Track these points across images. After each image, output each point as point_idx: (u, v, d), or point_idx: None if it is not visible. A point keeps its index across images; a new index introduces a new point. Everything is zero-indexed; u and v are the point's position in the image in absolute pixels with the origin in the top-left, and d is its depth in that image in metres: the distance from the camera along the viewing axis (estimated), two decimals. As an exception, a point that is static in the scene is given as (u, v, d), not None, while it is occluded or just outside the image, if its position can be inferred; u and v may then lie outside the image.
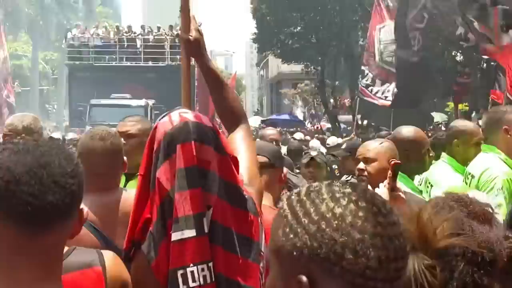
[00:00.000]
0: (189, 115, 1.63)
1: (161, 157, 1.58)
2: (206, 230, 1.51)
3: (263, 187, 1.93)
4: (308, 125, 30.80)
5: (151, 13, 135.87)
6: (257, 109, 59.46)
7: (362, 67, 12.48)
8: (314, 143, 10.78)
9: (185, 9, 2.15)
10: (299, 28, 25.95)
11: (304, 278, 0.90)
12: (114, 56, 25.90)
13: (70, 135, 13.08)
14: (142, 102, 22.07)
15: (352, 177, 4.11)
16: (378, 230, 0.90)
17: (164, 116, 1.68)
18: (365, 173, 2.78)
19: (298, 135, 10.99)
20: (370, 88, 12.15)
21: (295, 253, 0.91)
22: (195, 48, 2.09)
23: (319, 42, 25.72)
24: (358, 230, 0.90)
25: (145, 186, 1.63)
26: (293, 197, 0.98)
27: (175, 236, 1.51)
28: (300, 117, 34.69)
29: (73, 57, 26.30)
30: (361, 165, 2.81)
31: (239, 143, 1.95)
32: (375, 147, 2.88)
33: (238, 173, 1.67)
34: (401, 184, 2.95)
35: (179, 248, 1.50)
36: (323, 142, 10.85)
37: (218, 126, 1.73)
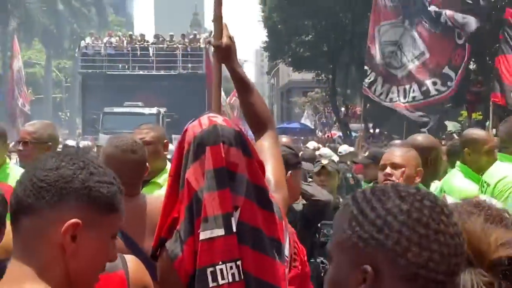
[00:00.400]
0: (218, 119, 1.69)
1: (191, 158, 1.63)
2: (234, 230, 1.55)
3: (286, 192, 1.97)
4: (319, 134, 30.77)
5: (163, 22, 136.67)
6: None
7: (365, 67, 12.40)
8: (325, 150, 10.73)
9: (218, 17, 2.23)
10: (310, 36, 25.98)
11: (369, 268, 0.97)
12: (126, 65, 26.10)
13: (84, 143, 13.18)
14: (154, 110, 22.21)
15: (374, 184, 4.10)
16: (441, 227, 0.98)
17: (194, 120, 1.74)
18: (392, 178, 2.80)
19: (311, 144, 10.95)
20: (373, 88, 12.07)
21: (361, 244, 0.99)
22: (225, 54, 2.17)
23: (330, 51, 25.75)
24: (423, 225, 0.97)
25: (174, 187, 1.68)
26: (358, 194, 1.05)
27: (204, 235, 1.55)
28: (311, 125, 34.67)
29: (86, 66, 26.52)
30: (389, 170, 2.82)
31: (266, 150, 1.99)
32: (404, 153, 2.91)
33: (264, 177, 1.71)
34: None
35: (208, 246, 1.54)
36: (334, 150, 10.85)
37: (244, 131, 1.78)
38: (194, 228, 1.58)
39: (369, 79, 12.10)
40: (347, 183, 7.03)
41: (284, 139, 5.30)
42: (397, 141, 6.84)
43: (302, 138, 21.56)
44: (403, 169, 2.81)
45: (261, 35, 30.30)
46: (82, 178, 1.15)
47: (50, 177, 1.14)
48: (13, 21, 40.80)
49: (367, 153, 5.62)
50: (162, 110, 22.59)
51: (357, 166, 10.25)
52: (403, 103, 11.39)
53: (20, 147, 3.62)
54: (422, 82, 11.25)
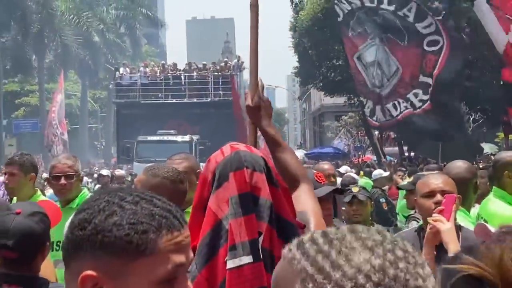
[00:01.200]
0: (240, 146, 1.69)
1: (214, 186, 1.61)
2: (261, 256, 1.53)
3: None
4: (353, 158, 30.53)
5: (195, 51, 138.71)
6: (300, 143, 59.41)
7: (361, 98, 12.33)
8: (344, 169, 10.60)
9: (253, 78, 2.29)
10: (340, 61, 25.99)
11: None
12: (160, 94, 26.52)
13: (119, 172, 13.34)
14: (187, 137, 22.44)
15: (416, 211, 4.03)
16: (419, 283, 0.81)
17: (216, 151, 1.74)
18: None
19: (344, 169, 10.84)
20: (375, 117, 11.96)
21: None
22: (256, 114, 2.24)
23: (362, 74, 25.67)
24: (402, 285, 0.80)
25: (197, 216, 1.66)
26: (307, 245, 0.86)
27: (233, 263, 1.52)
28: (344, 149, 34.43)
29: (121, 95, 27.04)
30: (439, 197, 2.72)
31: (303, 200, 2.02)
32: (450, 180, 2.83)
33: (292, 204, 1.69)
34: (461, 218, 2.91)
35: (237, 274, 1.51)
36: (369, 175, 10.71)
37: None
38: (216, 256, 1.55)
39: (368, 108, 12.06)
40: (380, 209, 6.92)
41: (326, 166, 5.07)
42: (434, 165, 6.70)
43: (334, 162, 21.40)
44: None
45: (292, 61, 30.46)
46: (96, 222, 1.02)
47: (71, 224, 1.06)
48: (50, 54, 41.98)
49: (411, 178, 5.30)
50: (195, 137, 22.80)
51: (392, 191, 10.11)
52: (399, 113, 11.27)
53: (63, 181, 3.60)
54: (405, 96, 11.11)
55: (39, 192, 3.96)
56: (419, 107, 10.96)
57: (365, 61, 11.66)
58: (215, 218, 1.57)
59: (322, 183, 2.86)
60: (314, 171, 2.96)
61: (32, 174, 3.77)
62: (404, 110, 11.10)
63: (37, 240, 2.18)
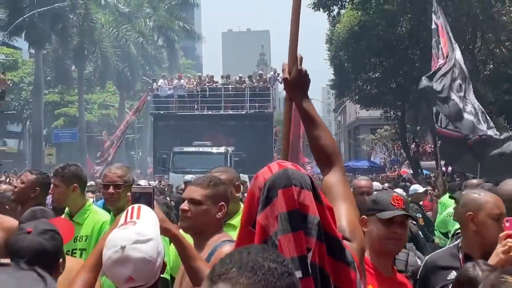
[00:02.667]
0: (287, 164, 1.71)
1: (262, 203, 1.64)
2: (310, 271, 1.55)
3: (363, 239, 1.91)
4: (388, 171, 30.20)
5: (230, 63, 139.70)
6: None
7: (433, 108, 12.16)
8: (375, 185, 10.37)
9: (292, 50, 2.21)
10: (377, 74, 25.82)
11: None
12: (196, 105, 26.77)
13: (153, 183, 13.48)
14: (222, 149, 22.54)
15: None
16: None
17: (263, 168, 1.76)
18: None
19: (375, 185, 10.66)
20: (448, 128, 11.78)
21: None
22: (290, 86, 2.17)
23: (399, 87, 25.45)
24: None
25: (244, 233, 1.69)
26: None
27: None
28: (380, 163, 34.10)
29: (158, 107, 27.39)
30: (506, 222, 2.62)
31: (335, 189, 1.97)
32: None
33: (335, 223, 1.70)
34: None
35: None
36: (405, 189, 10.59)
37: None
38: None
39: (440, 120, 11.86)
40: (417, 224, 6.83)
41: (363, 182, 4.96)
42: (475, 181, 6.53)
43: (370, 176, 21.20)
44: None
45: (328, 73, 30.39)
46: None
47: None
48: (89, 65, 42.90)
49: (446, 195, 5.12)
50: (230, 149, 22.91)
51: (426, 202, 9.95)
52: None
53: (111, 190, 3.69)
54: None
55: (90, 202, 4.05)
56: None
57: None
58: (265, 234, 1.60)
59: (397, 207, 2.72)
60: (393, 194, 2.85)
61: (74, 185, 3.84)
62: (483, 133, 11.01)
63: (49, 257, 2.26)
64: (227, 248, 2.37)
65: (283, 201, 1.59)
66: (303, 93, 2.18)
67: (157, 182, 18.51)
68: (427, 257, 3.21)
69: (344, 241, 1.70)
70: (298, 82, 2.17)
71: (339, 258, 1.62)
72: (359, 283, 1.66)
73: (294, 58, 2.19)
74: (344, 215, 1.86)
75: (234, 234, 2.99)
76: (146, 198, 2.13)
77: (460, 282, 2.23)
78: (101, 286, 2.69)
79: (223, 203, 2.63)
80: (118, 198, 3.63)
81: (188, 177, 12.20)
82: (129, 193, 2.15)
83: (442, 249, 3.34)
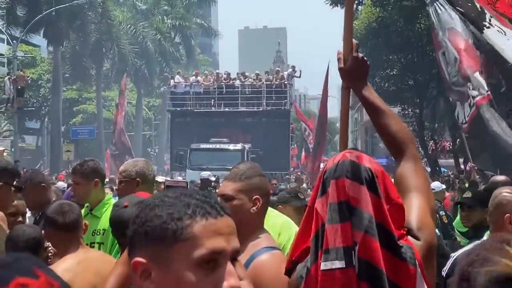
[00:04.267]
0: (352, 155, 1.70)
1: (320, 191, 1.69)
2: (354, 263, 1.57)
3: (433, 233, 1.81)
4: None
5: (247, 60, 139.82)
6: (351, 149, 58.76)
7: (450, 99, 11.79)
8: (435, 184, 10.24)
9: (347, 37, 2.14)
10: (395, 70, 25.64)
11: None
12: (213, 102, 26.81)
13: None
14: (239, 146, 22.57)
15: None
16: None
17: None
18: None
19: None
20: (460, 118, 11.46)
21: None
22: (347, 75, 2.09)
23: (417, 84, 25.25)
24: None
25: (309, 215, 1.73)
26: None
27: (325, 265, 1.60)
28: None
29: (175, 104, 27.47)
30: None
31: (407, 181, 1.87)
32: None
33: (402, 220, 1.68)
34: None
35: (329, 277, 1.59)
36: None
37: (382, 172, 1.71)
38: (318, 258, 1.63)
39: (457, 112, 11.52)
40: (441, 222, 6.76)
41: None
42: (501, 177, 6.34)
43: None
44: None
45: (343, 70, 30.25)
46: (142, 216, 1.17)
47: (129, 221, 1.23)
48: (107, 62, 43.15)
49: (469, 194, 4.89)
50: (247, 146, 22.91)
51: (447, 201, 9.83)
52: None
53: (118, 186, 3.92)
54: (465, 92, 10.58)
55: (109, 195, 4.09)
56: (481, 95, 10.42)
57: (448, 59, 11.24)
58: (321, 220, 1.65)
59: None
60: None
61: (96, 180, 3.88)
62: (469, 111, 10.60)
63: None
64: (265, 257, 2.21)
65: (334, 191, 1.63)
66: (362, 81, 2.08)
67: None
68: (456, 254, 3.16)
69: (408, 237, 1.68)
70: (354, 70, 2.08)
71: (396, 254, 1.61)
72: (421, 281, 1.63)
73: (349, 45, 2.11)
74: (412, 210, 1.78)
75: None
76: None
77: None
78: None
79: (257, 196, 2.39)
80: (121, 192, 3.67)
81: (206, 173, 12.20)
82: (162, 186, 2.15)
83: (469, 246, 3.28)
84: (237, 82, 26.87)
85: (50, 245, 2.87)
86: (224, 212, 1.18)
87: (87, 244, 3.39)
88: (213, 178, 12.38)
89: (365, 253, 1.57)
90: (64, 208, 2.94)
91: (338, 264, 1.57)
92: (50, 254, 2.82)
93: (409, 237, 1.68)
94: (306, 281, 1.63)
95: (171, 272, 1.12)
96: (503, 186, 4.46)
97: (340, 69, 2.11)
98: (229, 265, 1.15)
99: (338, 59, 2.12)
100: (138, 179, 3.61)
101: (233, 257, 1.17)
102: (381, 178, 1.67)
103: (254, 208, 2.39)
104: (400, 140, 1.95)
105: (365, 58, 2.11)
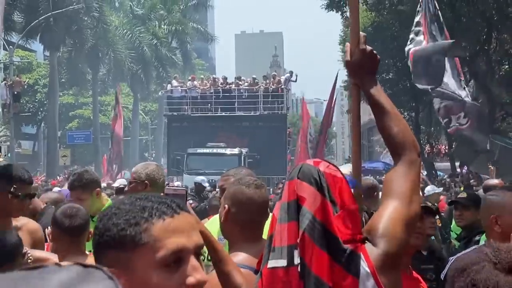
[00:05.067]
0: (311, 161, 1.76)
1: (280, 194, 1.75)
2: (295, 262, 1.58)
3: (397, 243, 1.69)
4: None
5: (243, 65, 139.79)
6: (349, 156, 58.83)
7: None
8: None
9: (353, 30, 2.03)
10: (391, 74, 25.74)
11: None
12: (209, 106, 26.81)
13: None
14: (236, 150, 22.57)
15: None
16: None
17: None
18: None
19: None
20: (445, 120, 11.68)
21: None
22: (354, 69, 1.97)
23: (413, 88, 25.32)
24: None
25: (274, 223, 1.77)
26: None
27: (270, 263, 1.63)
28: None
29: (172, 108, 27.47)
30: None
31: (390, 186, 1.79)
32: None
33: (356, 227, 1.63)
34: None
35: (271, 275, 1.61)
36: (421, 190, 10.53)
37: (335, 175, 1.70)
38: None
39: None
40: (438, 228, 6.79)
41: (366, 181, 4.86)
42: (495, 181, 6.39)
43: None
44: None
45: (341, 75, 30.34)
46: (100, 226, 1.19)
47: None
48: (103, 67, 43.13)
49: (464, 194, 4.89)
50: (244, 150, 22.91)
51: (442, 204, 9.88)
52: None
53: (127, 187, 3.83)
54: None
55: (109, 202, 4.10)
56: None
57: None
58: (275, 222, 1.69)
59: None
60: None
61: (97, 189, 3.90)
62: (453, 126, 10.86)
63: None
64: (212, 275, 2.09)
65: (286, 192, 1.67)
66: (369, 76, 1.95)
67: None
68: (454, 257, 3.20)
69: (365, 245, 1.63)
70: (362, 64, 1.95)
71: (335, 258, 1.58)
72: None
73: (356, 37, 1.98)
74: (383, 216, 1.71)
75: None
76: (179, 200, 2.11)
77: None
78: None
79: (225, 204, 2.34)
80: (133, 192, 3.65)
81: (199, 178, 12.22)
82: (162, 194, 2.15)
83: (469, 250, 3.33)
84: (234, 87, 26.90)
85: (28, 251, 2.79)
86: (182, 209, 1.20)
87: (90, 251, 3.40)
88: (206, 184, 12.45)
89: (303, 253, 1.58)
90: (73, 211, 2.94)
91: (281, 262, 1.59)
92: (29, 260, 2.74)
93: (366, 244, 1.62)
94: (259, 281, 1.64)
95: (137, 278, 1.14)
96: (495, 189, 4.54)
97: (347, 63, 1.99)
98: (193, 260, 1.16)
99: (345, 52, 2.01)
100: (147, 181, 3.63)
101: (197, 252, 1.19)
102: (338, 183, 1.64)
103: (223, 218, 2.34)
104: (399, 144, 1.86)
105: (374, 51, 1.97)
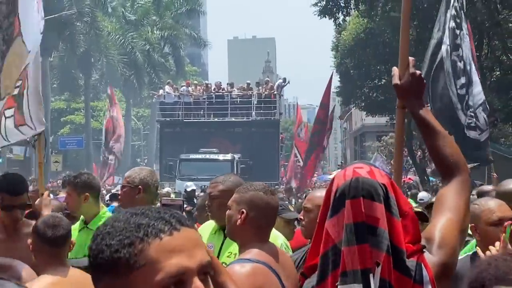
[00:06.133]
0: (363, 171, 1.65)
1: (331, 210, 1.63)
2: (372, 286, 1.53)
3: (453, 254, 1.77)
4: (395, 178, 30.08)
5: (236, 70, 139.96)
6: (341, 162, 58.94)
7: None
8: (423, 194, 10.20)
9: (402, 54, 2.09)
10: (383, 80, 25.87)
11: None
12: (202, 112, 26.80)
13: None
14: (228, 156, 22.55)
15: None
16: None
17: (341, 169, 1.77)
18: None
19: None
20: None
21: None
22: (403, 92, 2.05)
23: (405, 94, 25.49)
24: None
25: (320, 232, 1.68)
26: None
27: None
28: (385, 169, 34.08)
29: (164, 114, 27.43)
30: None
31: (446, 201, 1.86)
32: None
33: (417, 233, 1.65)
34: None
35: None
36: (414, 197, 10.56)
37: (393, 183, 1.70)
38: (328, 280, 1.58)
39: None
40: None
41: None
42: (488, 187, 6.37)
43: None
44: None
45: (334, 81, 30.40)
46: (93, 248, 1.07)
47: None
48: (95, 73, 43.06)
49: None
50: (237, 156, 22.91)
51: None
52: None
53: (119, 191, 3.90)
54: None
55: (104, 209, 4.07)
56: None
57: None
58: (331, 241, 1.60)
59: None
60: None
61: (86, 194, 3.84)
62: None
63: None
64: (236, 268, 2.23)
65: (350, 212, 1.57)
66: (418, 99, 2.03)
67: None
68: None
69: (424, 254, 1.65)
70: (411, 87, 2.03)
71: (403, 272, 1.58)
72: None
73: (405, 61, 2.07)
74: (440, 226, 1.77)
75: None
76: (176, 211, 2.09)
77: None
78: None
79: (242, 209, 2.44)
80: (121, 198, 3.76)
81: (190, 184, 12.23)
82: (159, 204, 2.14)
83: (460, 258, 3.34)
84: (227, 92, 26.92)
85: None
86: (183, 224, 1.07)
87: (84, 256, 3.38)
88: (194, 188, 12.50)
89: (387, 274, 1.53)
90: (55, 221, 2.85)
91: (356, 287, 1.52)
92: None
93: (425, 253, 1.65)
94: None
95: None
96: (489, 195, 4.55)
97: (395, 86, 2.06)
98: (197, 282, 1.03)
99: (393, 76, 2.09)
100: (140, 186, 3.61)
101: (204, 272, 1.06)
102: (392, 190, 1.64)
103: (239, 220, 2.43)
104: (453, 164, 1.93)
105: (422, 75, 2.06)
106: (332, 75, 20.93)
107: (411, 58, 2.06)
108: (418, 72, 2.04)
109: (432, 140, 1.97)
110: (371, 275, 1.52)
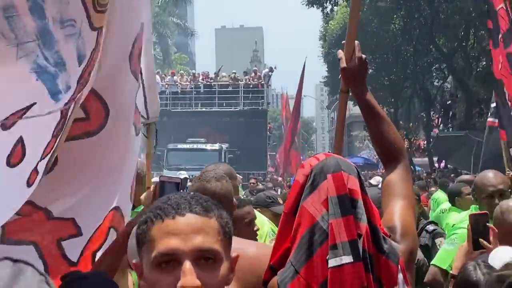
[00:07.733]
0: (334, 155, 1.70)
1: (309, 188, 1.62)
2: (362, 256, 1.54)
3: (416, 240, 1.79)
4: (381, 168, 30.29)
5: (223, 60, 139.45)
6: (328, 152, 59.18)
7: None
8: (376, 180, 10.19)
9: (349, 37, 2.07)
10: (371, 70, 25.95)
11: None
12: (190, 102, 26.71)
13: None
14: (216, 146, 22.55)
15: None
16: None
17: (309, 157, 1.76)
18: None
19: (376, 179, 10.49)
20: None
21: None
22: (350, 76, 2.04)
23: (392, 84, 25.56)
24: None
25: (287, 222, 1.66)
26: None
27: (334, 262, 1.54)
28: (373, 159, 34.25)
29: (151, 103, 27.30)
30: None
31: (393, 187, 1.87)
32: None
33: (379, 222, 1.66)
34: None
35: (339, 273, 1.53)
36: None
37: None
38: (313, 256, 1.57)
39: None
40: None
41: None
42: (466, 176, 6.55)
43: (364, 173, 21.26)
44: None
45: (321, 70, 30.43)
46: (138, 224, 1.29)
47: None
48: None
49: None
50: (224, 146, 22.91)
51: (423, 198, 10.00)
52: None
53: None
54: None
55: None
56: None
57: None
58: (312, 219, 1.59)
59: None
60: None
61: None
62: None
63: None
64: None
65: (333, 185, 1.58)
66: (362, 83, 2.03)
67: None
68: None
69: (391, 241, 1.65)
70: (357, 71, 2.03)
71: (379, 249, 1.59)
72: (402, 284, 1.61)
73: (352, 44, 2.05)
74: (398, 214, 1.77)
75: None
76: (172, 188, 2.05)
77: (460, 285, 2.07)
78: (133, 283, 2.71)
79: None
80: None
81: (183, 172, 12.20)
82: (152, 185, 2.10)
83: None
84: (214, 82, 26.86)
85: None
86: (191, 210, 1.21)
87: None
88: (187, 176, 12.46)
89: (367, 245, 1.55)
90: None
91: (346, 259, 1.53)
92: None
93: (391, 241, 1.65)
94: (293, 284, 1.56)
95: (144, 273, 1.24)
96: (467, 184, 4.75)
97: (342, 70, 2.05)
98: (187, 264, 1.16)
99: (339, 59, 2.07)
100: (138, 171, 3.63)
101: (201, 256, 1.18)
102: (360, 174, 1.68)
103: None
104: (396, 150, 1.93)
105: (366, 60, 2.05)
106: (304, 65, 20.76)
107: (356, 42, 2.05)
108: (364, 56, 2.03)
109: (377, 125, 1.96)
110: (358, 245, 1.53)
